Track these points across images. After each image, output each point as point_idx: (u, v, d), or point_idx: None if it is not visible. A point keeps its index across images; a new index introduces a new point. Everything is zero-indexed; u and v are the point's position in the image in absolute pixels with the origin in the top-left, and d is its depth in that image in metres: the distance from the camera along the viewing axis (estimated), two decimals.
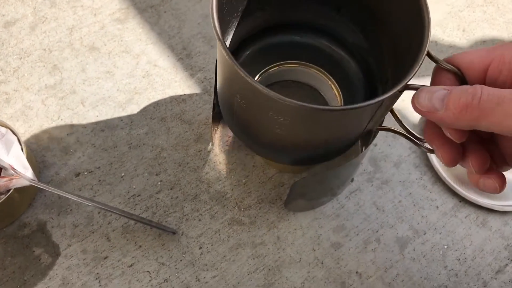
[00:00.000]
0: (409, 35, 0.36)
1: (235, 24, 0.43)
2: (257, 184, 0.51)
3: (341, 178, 0.46)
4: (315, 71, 0.47)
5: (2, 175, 0.44)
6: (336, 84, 0.47)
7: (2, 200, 0.43)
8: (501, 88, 0.27)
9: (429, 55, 0.33)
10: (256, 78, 0.47)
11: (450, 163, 0.32)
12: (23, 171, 0.45)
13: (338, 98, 0.46)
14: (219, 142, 0.53)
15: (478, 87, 0.27)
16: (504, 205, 0.51)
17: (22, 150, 0.46)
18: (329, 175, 0.44)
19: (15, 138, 0.47)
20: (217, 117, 0.50)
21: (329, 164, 0.51)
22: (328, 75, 0.47)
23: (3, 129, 0.47)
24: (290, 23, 0.47)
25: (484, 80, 0.31)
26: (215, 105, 0.47)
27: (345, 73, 0.47)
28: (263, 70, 0.48)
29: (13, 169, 0.44)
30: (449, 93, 0.28)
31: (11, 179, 0.44)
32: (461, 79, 0.32)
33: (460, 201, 0.51)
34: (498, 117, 0.26)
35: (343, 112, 0.33)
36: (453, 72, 0.32)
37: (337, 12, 0.44)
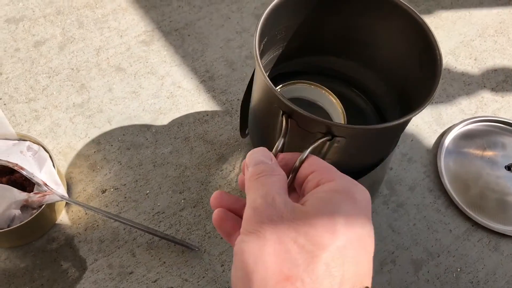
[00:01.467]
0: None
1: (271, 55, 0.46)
2: None
3: None
4: (323, 90, 0.50)
5: (35, 191, 0.46)
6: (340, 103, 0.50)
7: (35, 215, 0.45)
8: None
9: None
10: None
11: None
12: (55, 187, 0.46)
13: (342, 116, 0.48)
14: (241, 161, 0.55)
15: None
16: None
17: (54, 167, 0.48)
18: None
19: (47, 155, 0.49)
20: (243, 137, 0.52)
21: None
22: (334, 95, 0.50)
23: (35, 146, 0.49)
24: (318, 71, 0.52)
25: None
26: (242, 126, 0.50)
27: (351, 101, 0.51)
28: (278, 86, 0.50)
29: (46, 185, 0.46)
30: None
31: (44, 195, 0.45)
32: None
33: (472, 225, 0.53)
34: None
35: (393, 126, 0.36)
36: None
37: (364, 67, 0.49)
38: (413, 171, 0.56)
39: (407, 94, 0.45)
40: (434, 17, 0.68)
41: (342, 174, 0.28)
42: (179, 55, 0.62)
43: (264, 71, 0.37)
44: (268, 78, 0.36)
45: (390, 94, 0.49)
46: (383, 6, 0.42)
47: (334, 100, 0.49)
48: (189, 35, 0.64)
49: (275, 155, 0.31)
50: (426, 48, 0.40)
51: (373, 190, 0.51)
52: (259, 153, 0.29)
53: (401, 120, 0.35)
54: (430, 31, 0.40)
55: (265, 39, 0.44)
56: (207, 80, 0.61)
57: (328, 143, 0.36)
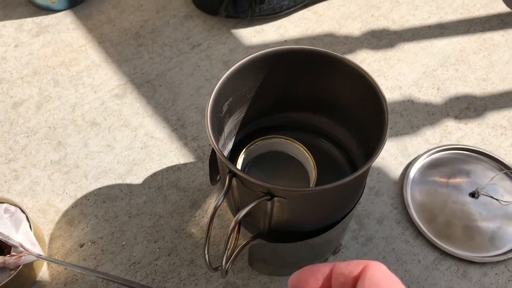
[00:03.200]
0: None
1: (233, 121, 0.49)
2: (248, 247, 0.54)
3: (300, 255, 0.49)
4: (295, 144, 0.52)
5: (12, 253, 0.48)
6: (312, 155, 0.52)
7: (12, 275, 0.47)
8: None
9: None
10: (244, 149, 0.52)
11: None
12: (31, 247, 0.49)
13: (314, 171, 0.50)
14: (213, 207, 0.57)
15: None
16: (483, 256, 0.54)
17: (30, 227, 0.50)
18: (282, 247, 0.47)
19: (24, 216, 0.51)
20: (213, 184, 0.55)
21: None
22: (307, 150, 0.51)
23: (12, 208, 0.51)
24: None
25: None
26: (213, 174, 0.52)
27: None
28: (250, 143, 0.52)
29: (22, 246, 0.48)
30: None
31: (20, 256, 0.48)
32: None
33: (441, 254, 0.55)
34: None
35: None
36: None
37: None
38: (381, 204, 0.58)
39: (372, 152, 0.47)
40: (397, 50, 0.71)
41: None
42: (151, 106, 0.65)
43: (212, 134, 0.39)
44: (214, 140, 0.38)
45: (360, 150, 0.51)
46: (342, 69, 0.45)
47: (308, 155, 0.51)
48: (160, 86, 0.67)
49: (215, 210, 0.33)
50: (379, 113, 0.42)
51: (330, 247, 0.52)
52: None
53: (337, 184, 0.36)
54: (383, 98, 0.42)
55: (230, 99, 0.46)
56: (179, 128, 0.63)
57: (269, 202, 0.38)
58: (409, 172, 0.59)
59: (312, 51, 0.45)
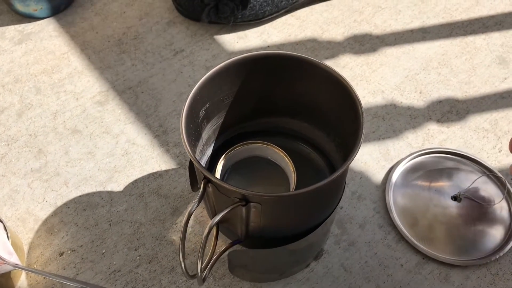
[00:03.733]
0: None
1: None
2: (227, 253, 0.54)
3: (280, 260, 0.49)
4: (275, 149, 0.52)
5: None
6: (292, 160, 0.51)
7: None
8: None
9: None
10: (224, 155, 0.51)
11: None
12: (8, 257, 0.48)
13: (293, 175, 0.50)
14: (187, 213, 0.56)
15: None
16: (466, 260, 0.54)
17: (8, 236, 0.50)
18: (261, 253, 0.46)
19: (1, 225, 0.50)
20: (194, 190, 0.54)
21: None
22: (287, 155, 0.51)
23: None
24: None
25: None
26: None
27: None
28: (230, 149, 0.52)
29: None
30: None
31: None
32: None
33: (423, 258, 0.54)
34: None
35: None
36: None
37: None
38: (363, 208, 0.58)
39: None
40: (379, 55, 0.71)
41: None
42: (133, 112, 0.65)
43: (188, 140, 0.39)
44: (188, 146, 0.38)
45: (339, 153, 0.51)
46: (318, 74, 0.45)
47: (288, 160, 0.51)
48: (142, 92, 0.67)
49: (190, 215, 0.33)
50: (355, 117, 0.42)
51: (311, 252, 0.52)
52: None
53: (311, 188, 0.36)
54: (359, 102, 0.42)
55: (207, 105, 0.46)
56: (161, 134, 0.63)
57: (244, 208, 0.37)
58: (391, 176, 0.59)
59: (287, 56, 0.45)
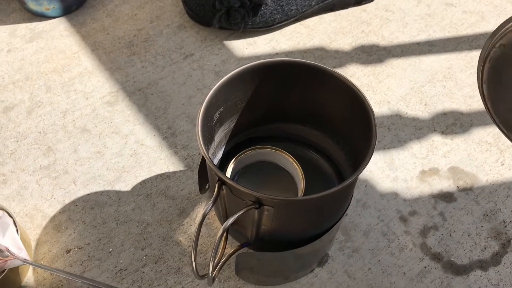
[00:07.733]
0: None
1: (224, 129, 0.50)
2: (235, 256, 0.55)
3: (287, 265, 0.50)
4: (284, 155, 0.53)
5: None
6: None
7: None
8: None
9: None
10: (234, 159, 0.52)
11: None
12: (17, 252, 0.48)
13: (302, 182, 0.51)
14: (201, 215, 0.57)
15: None
16: None
17: (17, 232, 0.50)
18: (269, 257, 0.47)
19: (11, 220, 0.51)
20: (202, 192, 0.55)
21: None
22: (296, 161, 0.52)
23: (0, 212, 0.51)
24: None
25: None
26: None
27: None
28: (240, 152, 0.53)
29: (8, 250, 0.48)
30: None
31: (6, 260, 0.47)
32: None
33: (425, 267, 0.55)
34: None
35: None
36: None
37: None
38: (368, 216, 0.58)
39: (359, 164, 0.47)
40: (386, 66, 0.72)
41: None
42: (143, 114, 0.65)
43: (203, 142, 0.39)
44: (204, 148, 0.39)
45: (348, 162, 0.52)
46: (332, 82, 0.46)
47: (297, 166, 0.52)
48: (152, 94, 0.67)
49: (204, 217, 0.33)
50: (367, 126, 0.43)
51: (316, 257, 0.53)
52: None
53: (323, 194, 0.37)
54: (372, 111, 0.43)
55: (221, 109, 0.47)
56: (169, 136, 0.63)
57: (257, 211, 0.38)
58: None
59: (302, 63, 0.46)
